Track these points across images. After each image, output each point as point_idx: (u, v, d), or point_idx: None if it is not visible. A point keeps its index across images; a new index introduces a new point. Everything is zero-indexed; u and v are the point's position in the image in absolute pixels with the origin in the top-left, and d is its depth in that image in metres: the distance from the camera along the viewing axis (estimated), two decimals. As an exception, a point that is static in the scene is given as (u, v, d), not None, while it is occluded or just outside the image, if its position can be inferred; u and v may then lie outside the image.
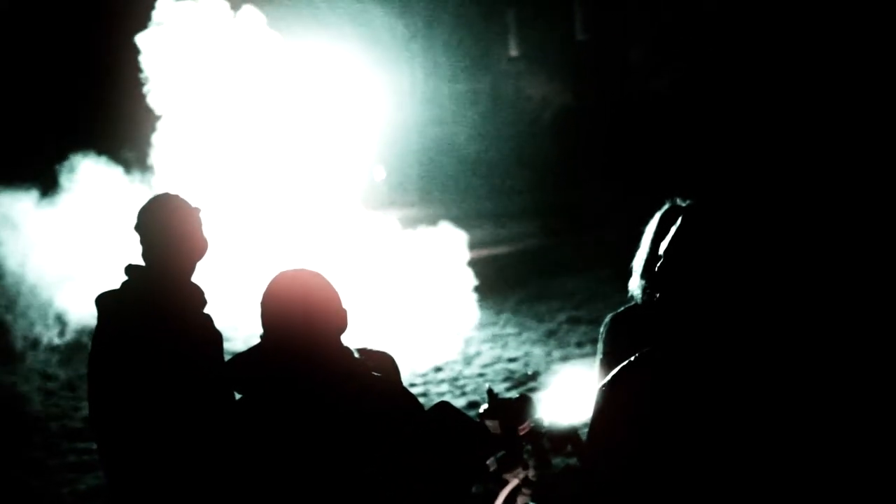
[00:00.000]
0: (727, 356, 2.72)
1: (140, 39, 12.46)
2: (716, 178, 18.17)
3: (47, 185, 11.72)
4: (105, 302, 4.35)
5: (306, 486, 3.22)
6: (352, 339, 3.45)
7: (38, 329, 11.75)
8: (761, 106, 20.17)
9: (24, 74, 18.25)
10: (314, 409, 3.23)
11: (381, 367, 3.52)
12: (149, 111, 12.64)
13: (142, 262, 4.39)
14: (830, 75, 19.32)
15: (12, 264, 11.04)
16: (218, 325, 4.45)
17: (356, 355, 3.42)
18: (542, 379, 10.73)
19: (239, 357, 3.43)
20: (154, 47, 12.50)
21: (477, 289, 13.36)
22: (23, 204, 11.37)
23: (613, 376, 2.85)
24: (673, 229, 2.86)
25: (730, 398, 2.69)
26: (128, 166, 12.15)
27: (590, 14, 26.71)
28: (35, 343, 12.29)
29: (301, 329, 3.26)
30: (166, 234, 4.33)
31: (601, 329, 4.35)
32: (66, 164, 11.74)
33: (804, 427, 2.68)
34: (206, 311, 4.44)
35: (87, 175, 11.75)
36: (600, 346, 4.33)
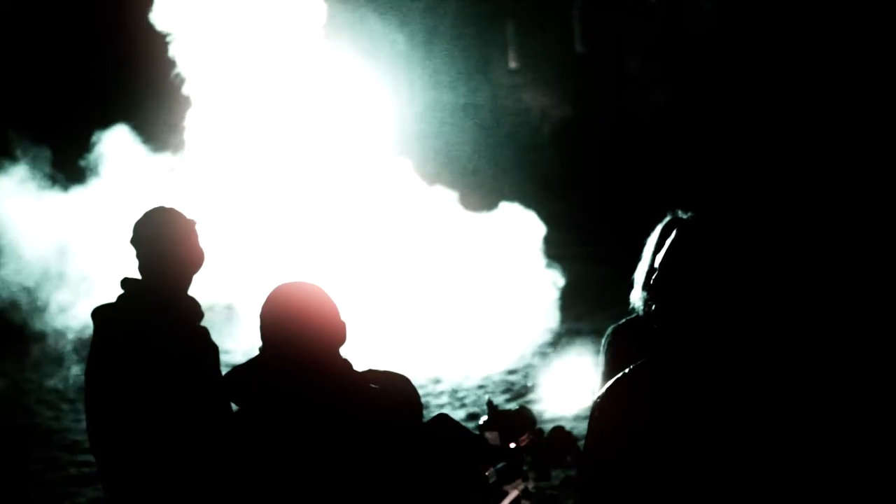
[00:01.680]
0: (722, 367, 2.72)
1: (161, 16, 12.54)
2: (712, 190, 18.18)
3: (72, 176, 11.67)
4: (101, 315, 4.35)
5: (304, 499, 3.21)
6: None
7: (50, 340, 11.73)
8: (759, 116, 20.19)
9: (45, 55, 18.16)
10: (312, 421, 3.22)
11: (388, 385, 3.50)
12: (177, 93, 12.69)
13: (138, 275, 4.39)
14: (829, 84, 19.34)
15: (25, 267, 11.00)
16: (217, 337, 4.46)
17: (355, 367, 3.41)
18: (541, 391, 10.72)
19: (237, 369, 3.43)
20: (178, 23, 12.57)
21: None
22: (43, 197, 11.32)
23: (608, 388, 2.86)
24: (668, 242, 2.86)
25: (724, 409, 2.69)
26: (157, 148, 12.16)
27: (589, 26, 26.73)
28: (44, 353, 12.28)
29: (299, 341, 3.26)
30: (162, 247, 4.33)
31: (602, 341, 4.34)
32: (95, 153, 11.71)
33: (801, 437, 2.68)
34: (202, 323, 4.44)
35: (115, 167, 11.72)
36: (601, 357, 4.32)
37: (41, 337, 11.76)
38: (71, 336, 11.31)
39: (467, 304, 12.44)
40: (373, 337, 11.23)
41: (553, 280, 13.01)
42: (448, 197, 13.58)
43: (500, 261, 12.83)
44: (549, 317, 13.07)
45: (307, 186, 12.86)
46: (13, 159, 11.35)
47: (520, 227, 13.10)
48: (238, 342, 10.85)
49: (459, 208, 13.51)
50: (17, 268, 10.98)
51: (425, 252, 12.66)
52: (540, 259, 13.05)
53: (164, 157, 12.55)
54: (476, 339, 12.20)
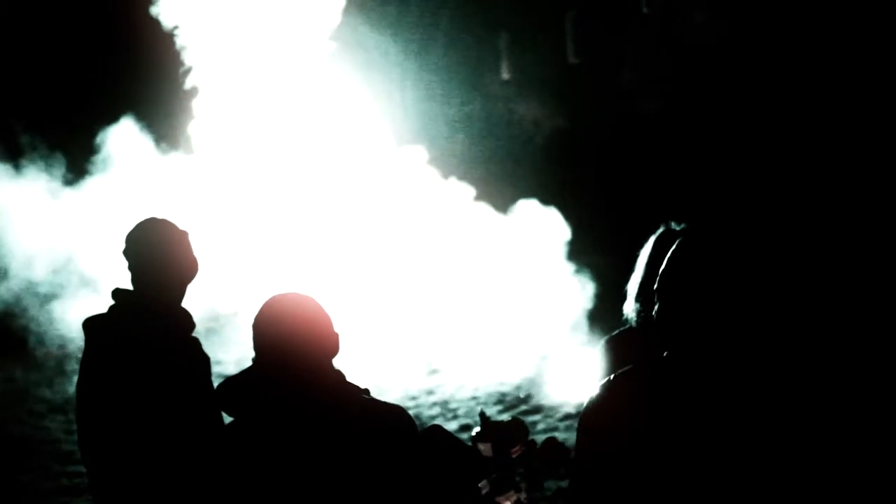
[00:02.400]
0: (714, 371, 2.72)
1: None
2: (709, 199, 18.20)
3: (79, 178, 11.59)
4: (92, 326, 4.34)
5: (298, 511, 3.20)
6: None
7: (52, 349, 11.68)
8: (754, 125, 20.22)
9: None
10: (305, 432, 3.21)
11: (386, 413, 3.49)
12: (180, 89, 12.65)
13: (130, 287, 4.38)
14: (825, 93, 19.36)
15: (28, 274, 10.94)
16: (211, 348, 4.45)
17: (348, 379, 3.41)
18: (534, 402, 10.71)
19: (230, 380, 3.42)
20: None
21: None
22: (43, 197, 11.25)
23: (594, 395, 2.86)
24: (671, 250, 2.86)
25: (716, 411, 2.69)
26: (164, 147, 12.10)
27: (582, 37, 26.77)
28: (44, 362, 12.23)
29: (291, 352, 3.25)
30: (154, 259, 4.32)
31: (597, 351, 4.35)
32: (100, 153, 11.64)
33: (797, 447, 2.67)
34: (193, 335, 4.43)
35: (122, 171, 11.64)
36: (596, 368, 4.32)
37: (41, 346, 11.73)
38: (73, 346, 11.27)
39: (486, 311, 12.30)
40: (374, 343, 11.20)
41: (582, 285, 12.81)
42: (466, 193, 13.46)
43: (519, 267, 12.63)
44: (576, 328, 12.92)
45: (314, 189, 12.83)
46: (21, 161, 11.31)
47: (540, 230, 12.89)
48: (230, 353, 10.83)
49: (471, 208, 13.38)
50: (19, 275, 10.95)
51: (440, 253, 12.55)
52: (565, 266, 12.85)
53: (172, 160, 12.51)
54: (488, 350, 12.12)
